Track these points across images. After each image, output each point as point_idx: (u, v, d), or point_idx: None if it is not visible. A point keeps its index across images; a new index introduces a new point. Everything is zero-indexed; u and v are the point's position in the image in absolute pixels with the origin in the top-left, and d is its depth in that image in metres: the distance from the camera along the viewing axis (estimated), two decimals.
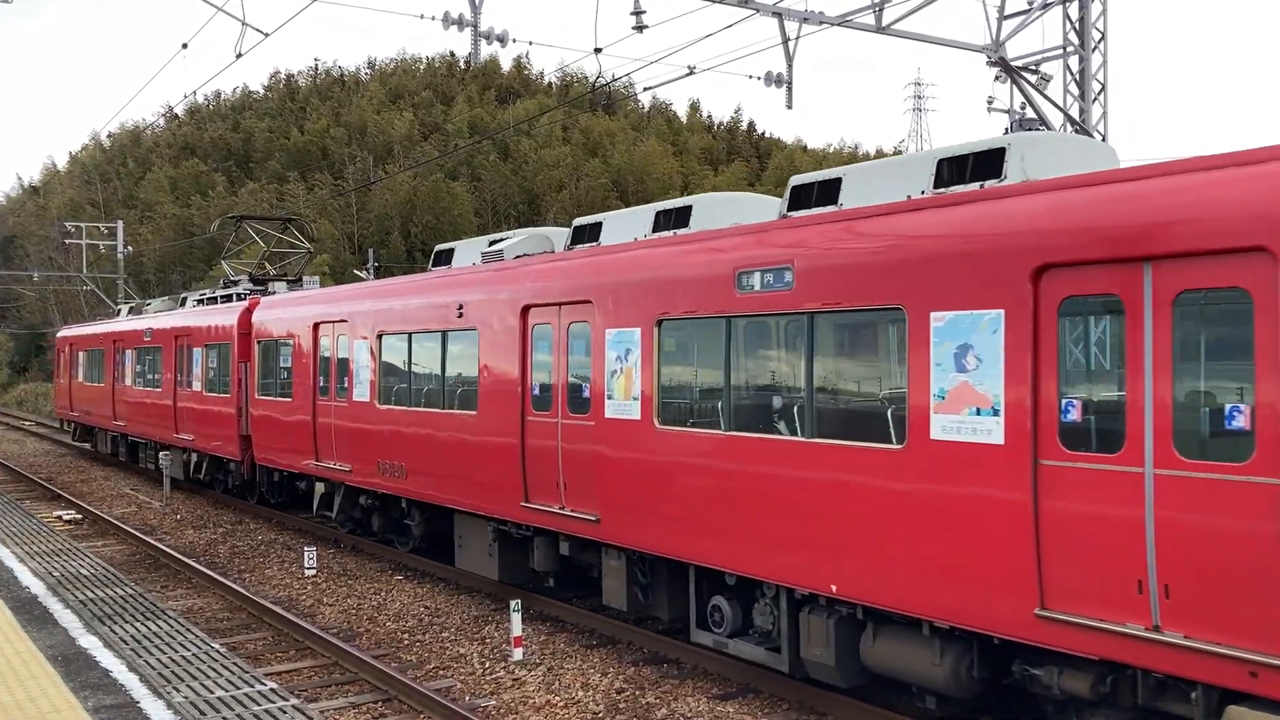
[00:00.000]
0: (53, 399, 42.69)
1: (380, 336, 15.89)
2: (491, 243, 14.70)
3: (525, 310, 12.69)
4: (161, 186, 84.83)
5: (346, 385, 16.72)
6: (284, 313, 19.48)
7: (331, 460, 17.26)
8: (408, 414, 15.10)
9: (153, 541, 18.46)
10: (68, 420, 38.07)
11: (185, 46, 19.64)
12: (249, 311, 21.15)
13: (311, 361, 17.97)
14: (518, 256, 13.57)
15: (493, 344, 13.14)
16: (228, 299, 24.06)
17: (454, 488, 14.00)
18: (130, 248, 59.51)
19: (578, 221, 13.34)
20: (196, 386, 23.36)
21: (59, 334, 39.74)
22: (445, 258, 16.11)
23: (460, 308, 13.73)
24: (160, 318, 27.03)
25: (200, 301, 25.83)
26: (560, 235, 13.75)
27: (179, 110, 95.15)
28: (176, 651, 10.10)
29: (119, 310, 34.45)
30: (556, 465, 12.07)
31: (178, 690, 8.82)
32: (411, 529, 16.04)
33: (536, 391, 12.52)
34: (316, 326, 17.92)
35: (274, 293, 22.84)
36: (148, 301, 30.76)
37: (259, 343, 20.36)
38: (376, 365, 15.93)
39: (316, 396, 17.71)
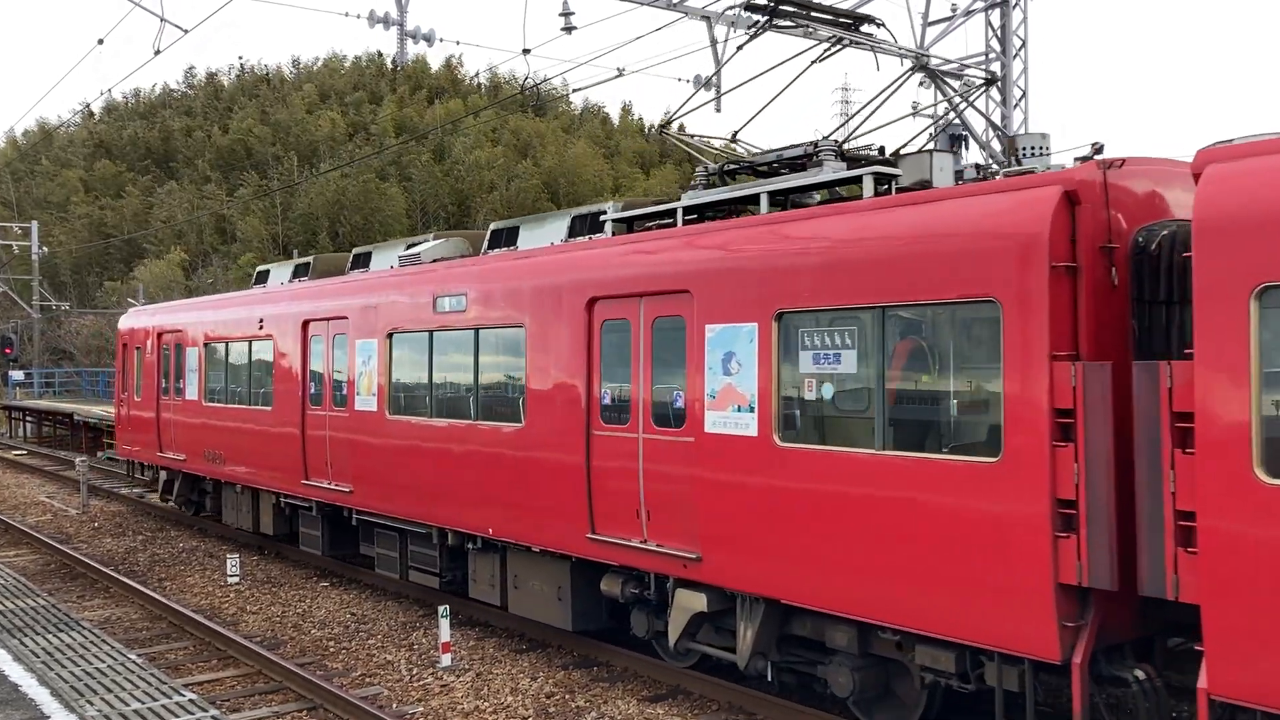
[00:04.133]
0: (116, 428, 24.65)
1: None
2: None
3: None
4: (75, 187, 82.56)
5: None
6: None
7: None
8: None
9: (68, 550, 17.94)
10: (142, 464, 22.86)
11: (101, 42, 19.15)
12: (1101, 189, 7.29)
13: None
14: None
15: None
16: (797, 196, 9.98)
17: None
18: (45, 249, 57.83)
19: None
20: (802, 437, 8.78)
21: (125, 321, 23.42)
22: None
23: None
24: (527, 266, 11.63)
25: (641, 220, 11.13)
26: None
27: (96, 108, 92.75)
28: (91, 664, 9.79)
29: (264, 272, 19.06)
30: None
31: (91, 703, 8.55)
32: None
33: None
34: None
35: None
36: (365, 250, 15.73)
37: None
38: None
39: None
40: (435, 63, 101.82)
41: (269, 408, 16.44)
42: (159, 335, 21.10)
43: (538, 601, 11.52)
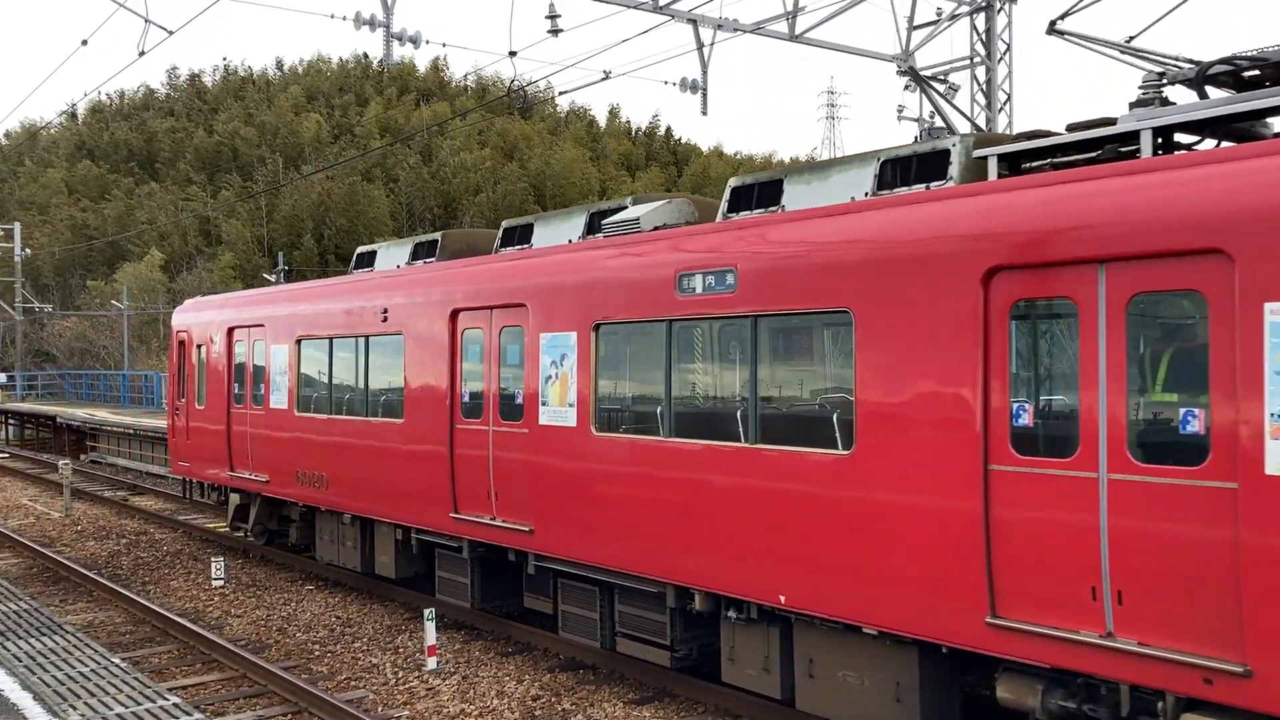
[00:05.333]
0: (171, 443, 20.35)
1: None
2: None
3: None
4: (58, 188, 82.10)
5: None
6: None
7: None
8: None
9: (51, 554, 17.82)
10: (203, 484, 19.57)
11: (85, 43, 19.04)
12: None
13: None
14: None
15: None
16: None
17: None
18: (29, 250, 57.51)
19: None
20: None
21: (181, 316, 19.87)
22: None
23: None
24: (847, 230, 8.39)
25: (1037, 155, 7.88)
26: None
27: (80, 109, 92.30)
28: (74, 668, 9.74)
29: (369, 254, 15.61)
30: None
31: (74, 708, 8.50)
32: None
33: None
34: None
35: None
36: (521, 222, 12.66)
37: None
38: None
39: None
40: (422, 65, 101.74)
41: (398, 420, 13.11)
42: (229, 331, 17.45)
43: (858, 701, 8.27)
